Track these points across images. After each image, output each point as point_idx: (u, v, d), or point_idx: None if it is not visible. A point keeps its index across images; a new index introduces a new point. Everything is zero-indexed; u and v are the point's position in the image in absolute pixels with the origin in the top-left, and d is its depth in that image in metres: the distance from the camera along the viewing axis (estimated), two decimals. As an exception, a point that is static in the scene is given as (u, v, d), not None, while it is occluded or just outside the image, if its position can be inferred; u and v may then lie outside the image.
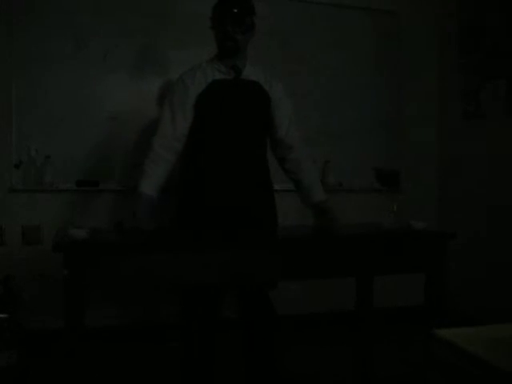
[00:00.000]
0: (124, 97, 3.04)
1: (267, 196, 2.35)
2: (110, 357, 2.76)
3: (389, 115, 3.56)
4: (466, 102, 3.42)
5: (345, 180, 3.42)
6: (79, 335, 1.66)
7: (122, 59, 3.03)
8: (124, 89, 3.04)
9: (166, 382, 2.49)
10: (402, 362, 2.71)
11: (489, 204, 3.23)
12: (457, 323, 1.43)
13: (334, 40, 3.41)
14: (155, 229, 2.00)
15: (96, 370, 2.29)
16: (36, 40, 2.89)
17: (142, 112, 3.03)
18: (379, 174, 3.51)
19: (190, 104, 2.21)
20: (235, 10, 2.16)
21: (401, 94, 3.58)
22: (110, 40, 3.00)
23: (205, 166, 2.24)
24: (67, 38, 2.93)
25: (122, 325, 3.06)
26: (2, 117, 2.86)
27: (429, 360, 1.46)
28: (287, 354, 2.67)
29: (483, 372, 1.04)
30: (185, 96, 2.21)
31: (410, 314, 3.24)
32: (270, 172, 2.38)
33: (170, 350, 2.77)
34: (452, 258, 2.27)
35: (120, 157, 3.04)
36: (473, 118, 3.37)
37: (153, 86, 3.08)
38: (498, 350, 1.09)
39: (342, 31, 3.43)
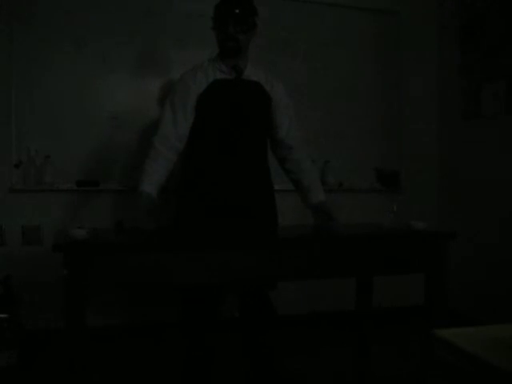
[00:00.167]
0: (124, 97, 3.04)
1: (267, 196, 2.36)
2: (110, 357, 2.76)
3: (389, 115, 3.56)
4: (466, 101, 3.42)
5: (345, 180, 3.42)
6: (80, 335, 1.66)
7: (122, 59, 3.03)
8: (124, 89, 3.04)
9: (165, 382, 2.48)
10: (401, 362, 2.71)
11: (489, 204, 3.23)
12: (457, 323, 1.43)
13: (334, 40, 3.41)
14: (155, 229, 2.00)
15: (96, 370, 2.29)
16: (36, 40, 2.89)
17: (143, 112, 3.03)
18: (379, 174, 3.51)
19: (191, 104, 2.21)
20: (237, 11, 2.16)
21: (401, 94, 3.58)
22: (110, 40, 3.00)
23: (205, 166, 2.24)
24: (67, 38, 2.93)
25: (122, 324, 3.06)
26: (1, 117, 2.86)
27: (429, 360, 1.46)
28: (287, 354, 2.67)
29: (483, 372, 1.04)
30: (186, 96, 2.21)
31: (410, 314, 3.25)
32: (270, 172, 2.38)
33: (170, 350, 2.77)
34: (452, 258, 2.27)
35: (120, 157, 3.03)
36: (473, 118, 3.37)
37: (153, 85, 3.08)
38: (498, 350, 1.09)
39: (342, 31, 3.43)
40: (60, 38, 2.92)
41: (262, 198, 2.31)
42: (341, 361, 2.68)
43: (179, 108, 2.20)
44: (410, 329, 3.03)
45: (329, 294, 3.29)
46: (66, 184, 2.94)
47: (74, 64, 2.95)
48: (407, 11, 3.58)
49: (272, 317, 2.37)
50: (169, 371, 2.54)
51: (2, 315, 2.62)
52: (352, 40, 3.46)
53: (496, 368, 1.01)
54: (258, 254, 1.82)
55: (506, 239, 3.09)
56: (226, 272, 1.78)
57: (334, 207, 2.33)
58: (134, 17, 3.04)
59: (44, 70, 2.91)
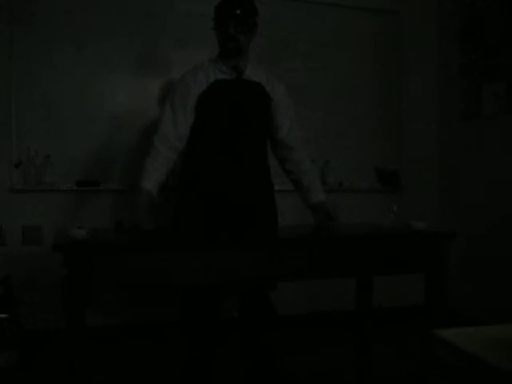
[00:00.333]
0: (124, 97, 3.04)
1: (268, 196, 2.36)
2: (110, 357, 2.76)
3: (389, 115, 3.56)
4: (466, 102, 3.42)
5: (345, 180, 3.42)
6: (80, 335, 1.66)
7: (123, 59, 3.03)
8: (124, 89, 3.04)
9: (165, 382, 2.49)
10: (401, 362, 2.71)
11: (489, 204, 3.23)
12: (457, 323, 1.43)
13: (334, 40, 3.41)
14: (155, 228, 2.00)
15: (96, 370, 2.29)
16: (36, 40, 2.89)
17: (143, 112, 3.03)
18: (379, 173, 3.51)
19: (192, 104, 2.21)
20: (238, 12, 2.16)
21: (401, 94, 3.58)
22: (111, 40, 3.00)
23: (205, 166, 2.24)
24: (67, 38, 2.93)
25: (122, 324, 3.06)
26: (1, 117, 2.86)
27: (428, 360, 1.46)
28: (287, 354, 2.67)
29: (483, 372, 1.04)
30: (186, 96, 2.21)
31: (409, 314, 3.25)
32: (270, 172, 2.38)
33: (170, 350, 2.77)
34: (452, 258, 2.27)
35: (120, 157, 3.03)
36: (473, 118, 3.37)
37: (153, 86, 3.08)
38: (498, 349, 1.09)
39: (342, 31, 3.43)
40: (60, 38, 2.93)
41: (262, 197, 2.31)
42: (341, 361, 2.68)
43: (179, 108, 2.20)
44: (410, 329, 3.03)
45: (329, 294, 3.29)
46: (65, 184, 2.94)
47: (74, 64, 2.95)
48: (407, 11, 3.58)
49: (272, 317, 2.37)
50: (169, 371, 2.54)
51: (2, 315, 2.62)
52: (352, 40, 3.46)
53: (496, 368, 1.01)
54: (258, 254, 1.82)
55: (506, 239, 3.09)
56: (225, 272, 1.78)
57: (334, 207, 2.33)
58: (135, 17, 3.04)
59: (44, 70, 2.91)
